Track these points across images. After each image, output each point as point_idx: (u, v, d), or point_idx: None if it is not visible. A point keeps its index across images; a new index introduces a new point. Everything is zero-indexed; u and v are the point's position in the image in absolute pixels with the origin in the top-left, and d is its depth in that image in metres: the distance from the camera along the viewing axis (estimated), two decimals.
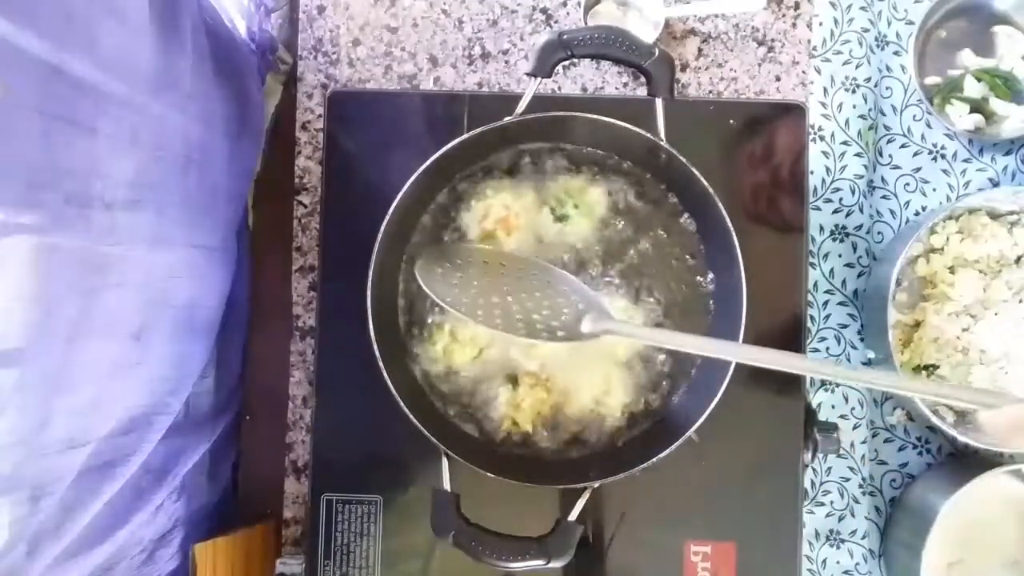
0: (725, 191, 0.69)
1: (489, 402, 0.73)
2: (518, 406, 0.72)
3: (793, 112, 0.82)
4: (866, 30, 0.88)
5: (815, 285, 0.87)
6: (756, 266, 0.69)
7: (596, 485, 0.67)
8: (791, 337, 0.79)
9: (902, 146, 0.89)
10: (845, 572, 0.85)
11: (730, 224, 0.68)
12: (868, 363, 0.86)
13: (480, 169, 0.76)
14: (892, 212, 0.89)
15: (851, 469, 0.85)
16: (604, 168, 0.76)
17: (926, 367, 0.84)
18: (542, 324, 0.65)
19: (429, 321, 0.74)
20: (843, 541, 0.85)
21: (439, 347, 0.73)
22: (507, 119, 0.69)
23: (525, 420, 0.72)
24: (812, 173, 0.85)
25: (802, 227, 0.79)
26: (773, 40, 0.90)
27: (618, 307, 0.73)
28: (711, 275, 0.75)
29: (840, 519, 0.85)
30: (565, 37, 0.68)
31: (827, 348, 0.86)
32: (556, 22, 0.91)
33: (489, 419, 0.73)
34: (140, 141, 0.62)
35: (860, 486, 0.85)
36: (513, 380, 0.73)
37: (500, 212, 0.74)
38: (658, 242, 0.75)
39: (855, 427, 0.85)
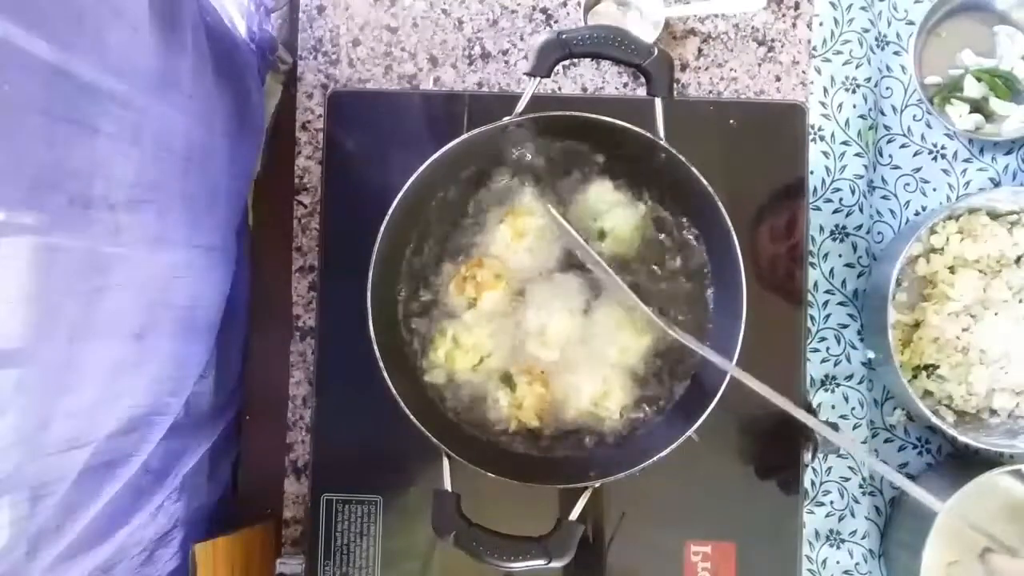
0: (725, 191, 0.69)
1: (491, 408, 0.73)
2: (520, 405, 0.72)
3: (793, 112, 0.82)
4: (866, 30, 0.88)
5: (815, 285, 0.87)
6: (756, 268, 0.69)
7: (596, 485, 0.67)
8: (790, 340, 0.80)
9: (902, 146, 0.89)
10: (845, 572, 0.85)
11: (730, 224, 0.68)
12: (868, 363, 0.86)
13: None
14: (892, 212, 0.89)
15: (851, 469, 0.85)
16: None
17: (926, 367, 0.84)
18: None
19: (431, 327, 0.74)
20: (843, 541, 0.85)
21: (441, 352, 0.73)
22: (507, 119, 0.69)
23: (530, 417, 0.72)
24: (812, 173, 0.85)
25: (802, 231, 0.79)
26: (773, 40, 0.90)
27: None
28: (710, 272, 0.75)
29: (840, 519, 0.85)
30: (564, 37, 0.68)
31: (827, 348, 0.86)
32: (556, 22, 0.91)
33: (495, 423, 0.73)
34: (142, 141, 0.62)
35: (860, 486, 0.85)
36: (508, 381, 0.73)
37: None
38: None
39: (855, 427, 0.85)
